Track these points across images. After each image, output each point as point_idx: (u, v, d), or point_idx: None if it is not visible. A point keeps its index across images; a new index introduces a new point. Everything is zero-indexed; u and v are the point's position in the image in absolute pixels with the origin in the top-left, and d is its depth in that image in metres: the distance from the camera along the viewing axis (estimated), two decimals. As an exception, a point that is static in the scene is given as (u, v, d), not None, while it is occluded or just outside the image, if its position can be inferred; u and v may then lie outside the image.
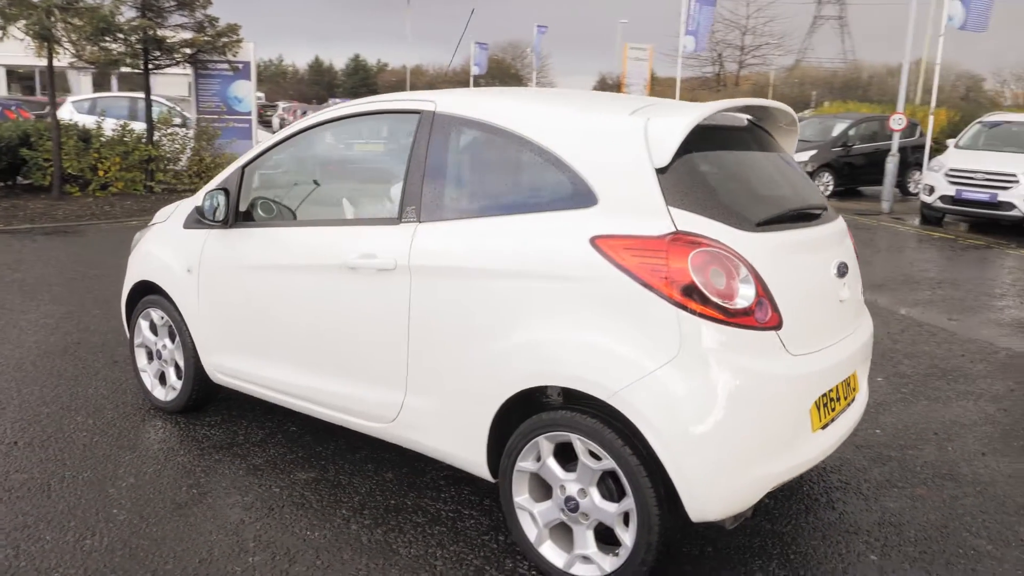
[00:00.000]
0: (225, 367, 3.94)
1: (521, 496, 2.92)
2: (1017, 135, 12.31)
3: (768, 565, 3.02)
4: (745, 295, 2.58)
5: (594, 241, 2.67)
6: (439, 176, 3.13)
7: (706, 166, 2.85)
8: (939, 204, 12.10)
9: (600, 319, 2.64)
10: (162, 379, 4.37)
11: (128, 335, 4.53)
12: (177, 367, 4.26)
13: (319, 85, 72.69)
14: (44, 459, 3.72)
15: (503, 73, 59.23)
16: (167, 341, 4.28)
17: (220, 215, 3.78)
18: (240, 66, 13.57)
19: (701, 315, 2.53)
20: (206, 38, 12.52)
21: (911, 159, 15.56)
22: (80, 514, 3.24)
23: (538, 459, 2.86)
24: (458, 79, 65.66)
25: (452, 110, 3.18)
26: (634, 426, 2.57)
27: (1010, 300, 7.82)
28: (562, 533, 2.90)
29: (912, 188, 15.75)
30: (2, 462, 3.67)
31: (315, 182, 4.05)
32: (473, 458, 3.01)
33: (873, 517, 3.41)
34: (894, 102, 14.45)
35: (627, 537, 2.66)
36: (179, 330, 4.12)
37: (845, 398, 3.07)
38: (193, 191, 12.33)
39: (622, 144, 2.76)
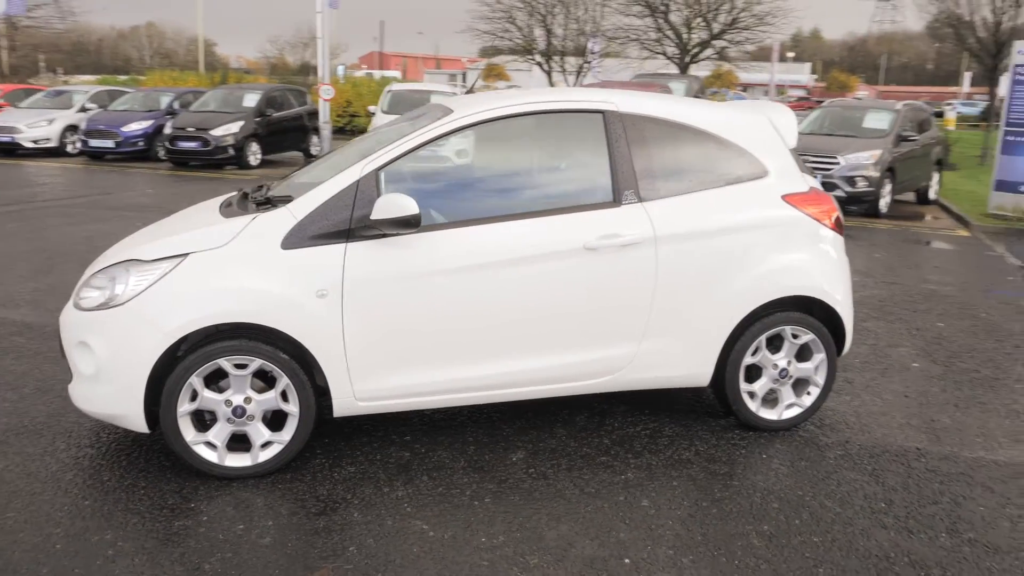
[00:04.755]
0: (386, 388, 3.65)
1: (742, 382, 4.12)
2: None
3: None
4: (839, 219, 4.35)
5: (784, 198, 4.05)
6: (647, 163, 3.90)
7: None
8: None
9: (798, 247, 4.08)
10: (228, 443, 3.57)
11: (139, 410, 3.43)
12: (268, 417, 3.59)
13: None
14: None
15: None
16: (250, 392, 3.53)
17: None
18: None
19: (837, 232, 4.22)
20: None
21: (310, 125, 17.47)
22: None
23: (754, 353, 4.10)
24: None
25: (635, 110, 3.95)
26: (829, 307, 4.12)
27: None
28: (764, 401, 4.22)
29: (313, 151, 17.59)
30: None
31: (492, 176, 3.94)
32: (706, 371, 4.05)
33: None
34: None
35: (820, 378, 4.21)
36: (288, 370, 3.51)
37: None
38: None
39: (770, 133, 4.15)
